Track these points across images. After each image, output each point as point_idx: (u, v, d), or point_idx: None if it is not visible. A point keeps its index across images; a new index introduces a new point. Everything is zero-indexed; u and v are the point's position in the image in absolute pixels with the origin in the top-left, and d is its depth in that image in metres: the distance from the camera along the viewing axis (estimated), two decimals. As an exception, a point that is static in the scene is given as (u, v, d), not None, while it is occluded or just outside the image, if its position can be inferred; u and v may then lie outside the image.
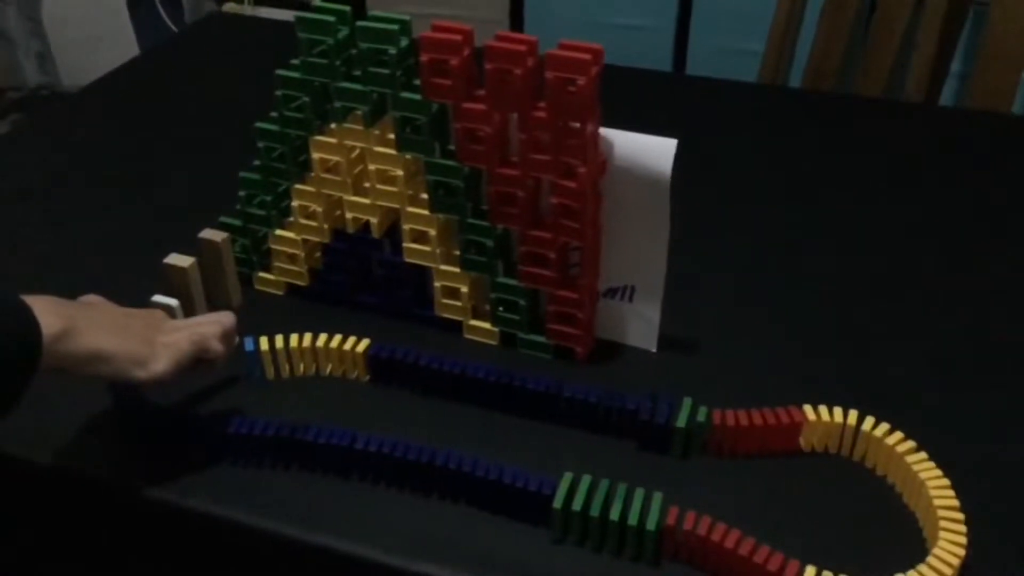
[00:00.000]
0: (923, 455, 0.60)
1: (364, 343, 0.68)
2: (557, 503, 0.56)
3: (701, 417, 0.61)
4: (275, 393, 0.67)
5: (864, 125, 1.03)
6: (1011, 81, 1.25)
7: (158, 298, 0.67)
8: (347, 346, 0.67)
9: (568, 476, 0.57)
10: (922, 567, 0.53)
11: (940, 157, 0.96)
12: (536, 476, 0.57)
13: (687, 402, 0.63)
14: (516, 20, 1.77)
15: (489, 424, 0.65)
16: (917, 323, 0.74)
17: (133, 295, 0.70)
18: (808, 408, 0.62)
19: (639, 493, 0.57)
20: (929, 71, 1.32)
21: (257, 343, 0.67)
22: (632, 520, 0.55)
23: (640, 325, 0.71)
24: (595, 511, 0.56)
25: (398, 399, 0.67)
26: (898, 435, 0.61)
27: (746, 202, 0.89)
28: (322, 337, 0.68)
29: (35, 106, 1.66)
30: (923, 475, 0.58)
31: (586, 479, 0.58)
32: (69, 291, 0.75)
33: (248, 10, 1.84)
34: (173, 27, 1.86)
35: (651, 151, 0.63)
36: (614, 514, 0.55)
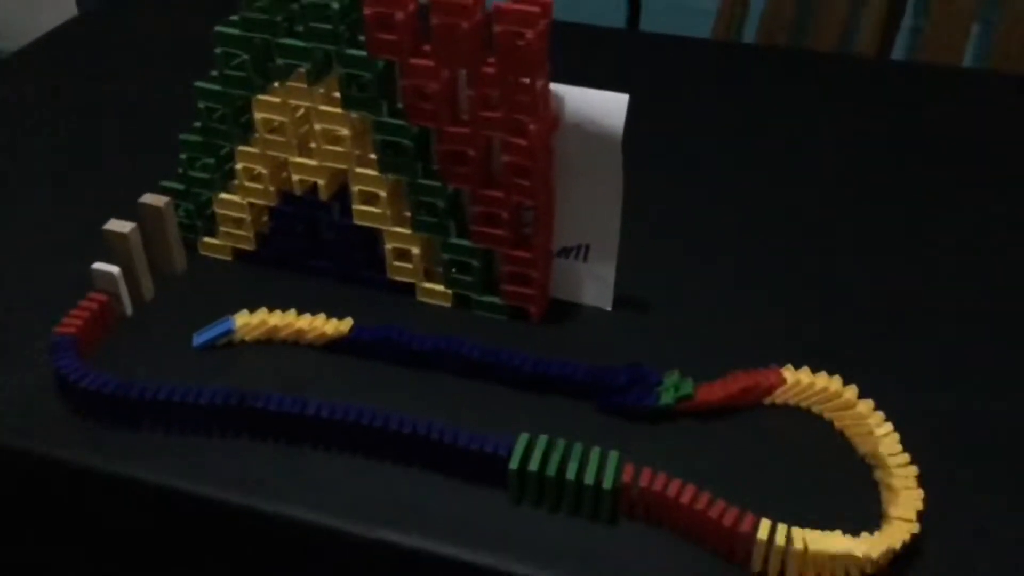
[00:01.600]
0: (875, 408, 0.60)
1: (348, 323, 0.66)
2: (513, 464, 0.56)
3: (686, 391, 0.61)
4: (233, 360, 0.66)
5: (817, 79, 1.02)
6: (962, 35, 1.25)
7: (99, 265, 0.65)
8: (328, 329, 0.66)
9: (524, 437, 0.57)
10: (886, 529, 0.54)
11: (892, 111, 0.96)
12: (492, 438, 0.57)
13: (672, 376, 0.62)
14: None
15: (456, 391, 0.64)
16: (868, 276, 0.74)
17: (75, 263, 0.68)
18: (788, 371, 0.62)
19: (595, 452, 0.56)
20: (881, 25, 1.32)
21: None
22: (588, 479, 0.55)
23: (595, 284, 0.70)
24: (551, 471, 0.55)
25: (363, 367, 0.66)
26: (853, 388, 0.61)
27: (702, 160, 0.88)
28: (305, 317, 0.67)
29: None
30: (878, 430, 0.59)
31: (542, 439, 0.57)
32: (9, 259, 0.74)
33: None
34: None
35: (603, 106, 0.62)
36: (570, 473, 0.55)
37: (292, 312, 0.68)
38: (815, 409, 0.62)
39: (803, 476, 0.58)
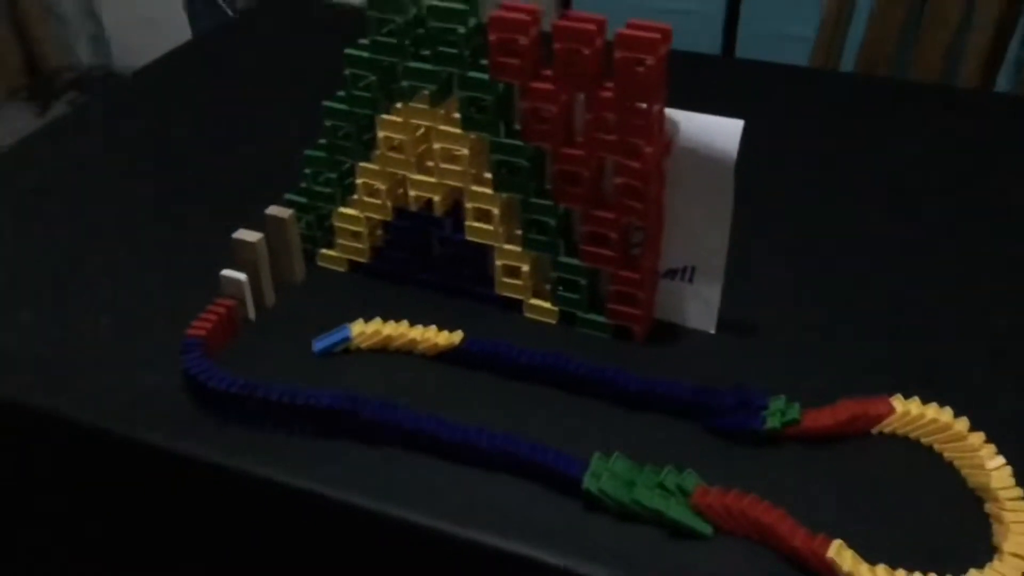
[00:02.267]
0: (986, 441, 0.59)
1: (459, 335, 0.69)
2: (587, 484, 0.57)
3: (793, 416, 0.61)
4: (349, 366, 0.69)
5: (919, 111, 1.01)
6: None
7: (227, 272, 0.69)
8: (440, 340, 0.68)
9: (599, 456, 0.58)
10: (997, 564, 0.53)
11: (997, 145, 0.94)
12: (566, 456, 0.59)
13: (778, 401, 0.62)
14: (564, 2, 1.77)
15: (560, 406, 0.66)
16: (979, 311, 0.73)
17: (202, 270, 0.72)
18: (897, 400, 0.62)
19: (670, 473, 0.58)
20: (985, 56, 1.30)
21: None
22: (658, 503, 0.56)
23: (699, 306, 0.71)
24: (622, 496, 0.57)
25: (472, 378, 0.68)
26: (964, 420, 0.61)
27: (804, 186, 0.89)
28: (418, 328, 0.70)
29: (91, 87, 1.69)
30: (989, 463, 0.58)
31: (616, 460, 0.58)
32: (139, 265, 0.78)
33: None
34: (228, 11, 1.88)
35: (717, 132, 0.63)
36: (640, 496, 0.56)
37: (405, 323, 0.70)
38: (924, 440, 0.62)
39: (911, 508, 0.58)
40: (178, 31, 1.91)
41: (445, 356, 0.69)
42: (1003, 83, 1.37)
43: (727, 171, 0.64)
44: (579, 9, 1.73)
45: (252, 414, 0.64)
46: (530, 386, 0.67)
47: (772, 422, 0.61)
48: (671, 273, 0.71)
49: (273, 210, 0.73)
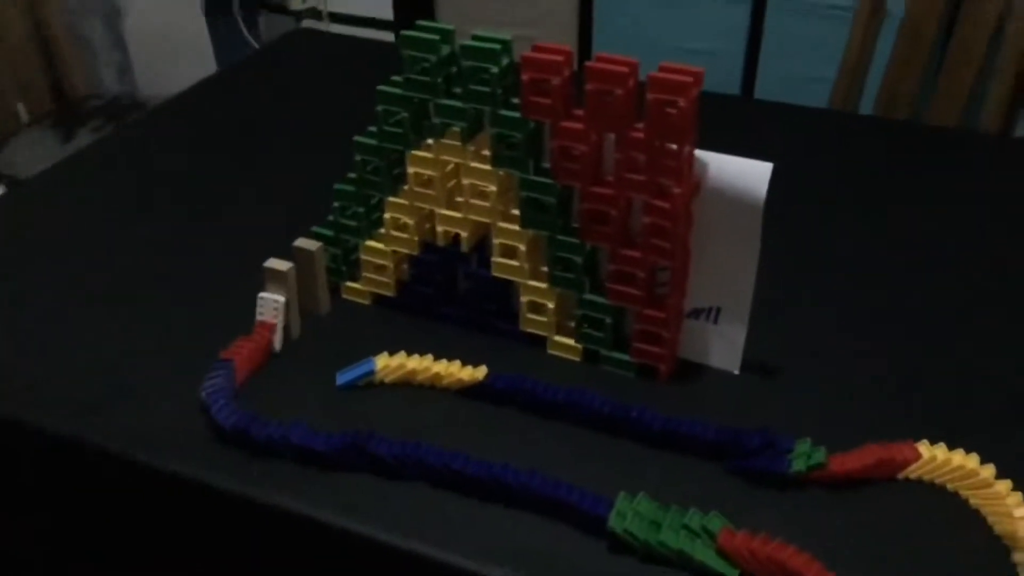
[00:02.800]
0: (1015, 491, 0.59)
1: (482, 370, 0.69)
2: (612, 524, 0.57)
3: (819, 460, 0.61)
4: (373, 400, 0.69)
5: (941, 155, 1.02)
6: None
7: (265, 294, 0.70)
8: (464, 375, 0.69)
9: (624, 496, 0.58)
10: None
11: (1017, 189, 0.95)
12: (591, 495, 0.59)
13: (804, 444, 0.62)
14: (584, 42, 1.79)
15: (584, 443, 0.66)
16: (1006, 358, 0.73)
17: (226, 303, 0.73)
18: (923, 446, 0.62)
19: (694, 516, 0.57)
20: (1007, 101, 1.31)
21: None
22: (682, 544, 0.56)
23: (724, 347, 0.71)
24: (647, 536, 0.56)
25: (495, 413, 0.68)
26: (991, 467, 0.60)
27: (828, 228, 0.89)
28: (442, 363, 0.70)
29: (116, 115, 1.71)
30: (1016, 511, 0.58)
31: (641, 500, 0.58)
32: (165, 297, 0.79)
33: (324, 27, 1.88)
34: (253, 42, 1.90)
35: (746, 174, 0.64)
36: (665, 538, 0.56)
37: (429, 357, 0.70)
38: (950, 486, 0.62)
39: (937, 555, 0.58)
40: (203, 60, 1.94)
41: (469, 391, 0.69)
42: (1023, 128, 1.38)
43: (755, 213, 0.64)
44: (601, 48, 1.75)
45: (264, 448, 0.64)
46: (554, 423, 0.67)
47: (798, 465, 0.61)
48: (696, 313, 0.71)
49: (301, 242, 0.73)
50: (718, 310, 0.70)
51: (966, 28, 1.31)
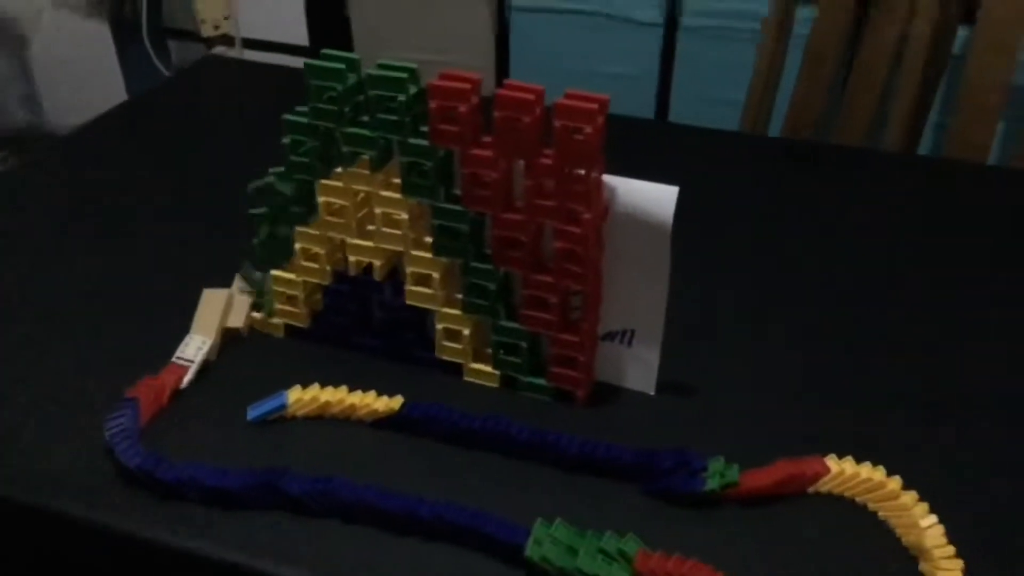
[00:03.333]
0: (920, 499, 0.61)
1: (398, 400, 0.68)
2: (529, 552, 0.57)
3: (732, 478, 0.62)
4: (285, 434, 0.68)
5: (845, 173, 1.05)
6: (988, 132, 1.29)
7: (194, 336, 0.71)
8: (379, 406, 0.68)
9: (541, 523, 0.58)
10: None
11: (920, 205, 0.98)
12: (508, 524, 0.58)
13: (717, 462, 0.63)
14: (501, 67, 1.80)
15: (501, 470, 0.65)
16: (907, 366, 0.75)
17: (140, 332, 0.71)
18: (832, 460, 0.63)
19: (611, 539, 0.57)
20: (908, 122, 1.36)
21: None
22: (599, 570, 0.56)
23: (639, 368, 0.72)
24: (564, 563, 0.56)
25: (412, 444, 0.67)
26: (897, 479, 0.62)
27: (736, 249, 0.91)
28: (357, 394, 0.69)
29: (24, 146, 1.66)
30: (922, 521, 0.59)
31: (558, 526, 0.58)
32: (74, 326, 0.76)
33: (237, 53, 1.85)
34: (164, 70, 1.87)
35: (653, 198, 0.65)
36: (582, 564, 0.56)
37: (343, 388, 0.69)
38: (859, 499, 0.63)
39: (847, 567, 0.59)
40: (113, 89, 1.89)
41: (385, 422, 0.68)
42: (924, 147, 1.43)
43: (664, 237, 0.65)
44: (516, 72, 1.76)
45: (182, 486, 0.62)
46: (471, 451, 0.66)
47: (711, 484, 0.62)
48: (610, 336, 0.71)
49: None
50: (632, 333, 0.71)
51: (867, 50, 1.35)
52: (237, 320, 0.76)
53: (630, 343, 0.71)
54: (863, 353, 0.77)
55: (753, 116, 1.44)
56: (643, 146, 1.07)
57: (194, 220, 0.92)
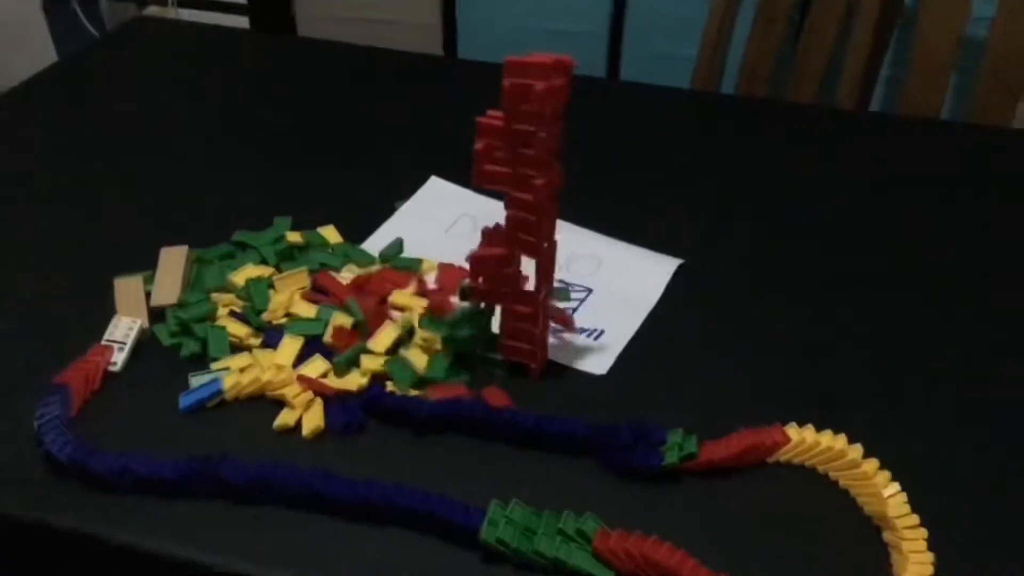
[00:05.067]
0: (881, 467, 0.60)
1: (342, 381, 0.66)
2: (484, 536, 0.55)
3: (690, 449, 0.60)
4: (223, 418, 0.64)
5: (797, 130, 1.03)
6: (940, 88, 1.28)
7: (123, 318, 0.68)
8: (349, 385, 0.65)
9: (496, 505, 0.56)
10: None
11: (872, 161, 0.97)
12: (462, 507, 0.56)
13: (676, 434, 0.61)
14: (448, 26, 1.75)
15: (456, 450, 0.63)
16: (874, 339, 0.73)
17: (70, 311, 0.67)
18: (791, 429, 0.62)
19: (569, 518, 0.56)
20: (860, 78, 1.34)
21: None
22: (559, 551, 0.54)
23: (597, 355, 0.70)
24: (522, 545, 0.54)
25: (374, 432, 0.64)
26: (858, 447, 0.61)
27: (685, 209, 0.88)
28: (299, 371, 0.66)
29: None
30: (884, 490, 0.58)
31: (514, 508, 0.56)
32: (6, 298, 0.72)
33: (171, 13, 1.77)
34: (93, 31, 1.78)
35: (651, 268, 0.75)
36: (539, 546, 0.54)
37: (287, 367, 0.66)
38: (820, 468, 0.62)
39: (809, 538, 0.58)
40: (43, 53, 1.81)
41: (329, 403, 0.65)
42: (876, 102, 1.42)
43: (653, 297, 0.74)
44: (464, 31, 1.72)
45: (116, 477, 0.59)
46: (421, 432, 0.64)
47: (670, 457, 0.60)
48: (583, 331, 0.72)
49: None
50: (603, 332, 0.71)
51: (819, 4, 1.33)
52: (169, 296, 0.72)
53: (597, 339, 0.70)
54: (825, 321, 0.75)
55: (705, 73, 1.42)
56: (594, 106, 1.04)
57: (125, 187, 0.88)
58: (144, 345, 0.70)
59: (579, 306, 0.75)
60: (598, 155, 0.93)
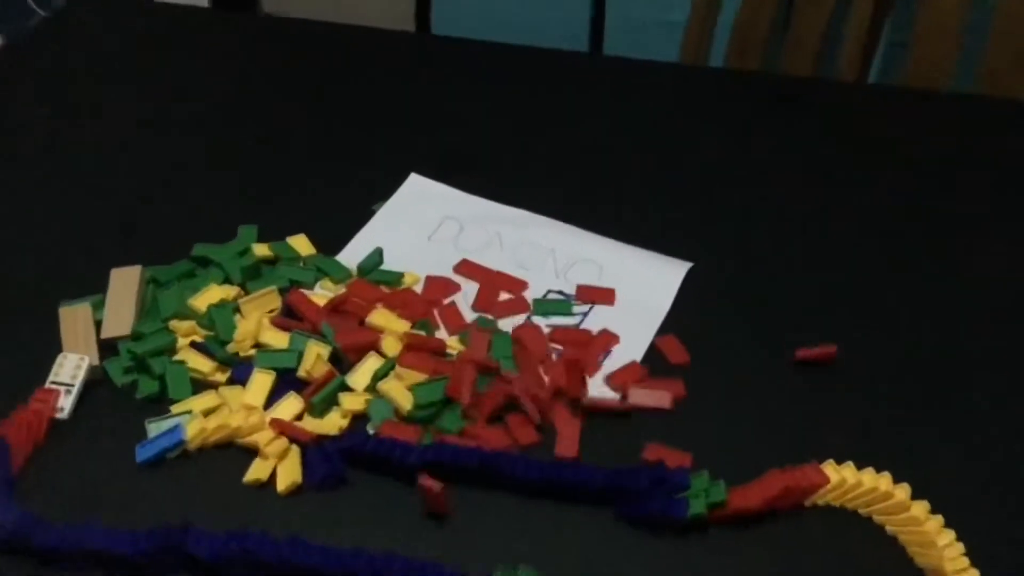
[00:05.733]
0: (932, 511, 0.53)
1: (322, 426, 0.59)
2: None
3: (718, 497, 0.53)
4: (183, 477, 0.57)
5: (801, 105, 0.94)
6: (949, 56, 1.20)
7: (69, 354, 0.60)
8: (328, 428, 0.58)
9: (503, 572, 0.50)
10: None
11: (874, 136, 0.88)
12: None
13: (700, 479, 0.54)
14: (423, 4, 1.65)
15: (459, 501, 0.55)
16: (901, 353, 0.66)
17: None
18: (830, 467, 0.55)
19: None
20: (861, 46, 1.26)
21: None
22: None
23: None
24: None
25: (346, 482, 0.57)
26: (905, 487, 0.54)
27: (686, 195, 0.80)
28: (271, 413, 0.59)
29: None
30: (938, 538, 0.52)
31: (522, 572, 0.50)
32: None
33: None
34: (38, 10, 1.67)
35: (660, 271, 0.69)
36: None
37: (258, 411, 0.59)
38: (863, 511, 0.55)
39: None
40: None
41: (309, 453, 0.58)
42: (875, 72, 1.34)
43: (664, 307, 0.67)
44: (440, 6, 1.61)
45: (66, 551, 0.51)
46: (415, 484, 0.56)
47: (696, 507, 0.53)
48: None
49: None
50: (608, 352, 0.65)
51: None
52: (122, 326, 0.64)
53: (604, 360, 0.65)
54: (859, 343, 0.65)
55: (695, 43, 1.33)
56: (576, 83, 0.94)
57: (66, 192, 0.79)
58: (95, 385, 0.61)
59: (582, 321, 0.67)
60: (586, 144, 0.84)
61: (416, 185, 0.80)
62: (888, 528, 0.54)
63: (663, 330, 0.66)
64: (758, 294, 0.70)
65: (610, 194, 0.79)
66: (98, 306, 0.66)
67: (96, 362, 0.62)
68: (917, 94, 1.05)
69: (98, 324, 0.64)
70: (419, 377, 0.61)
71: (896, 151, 0.86)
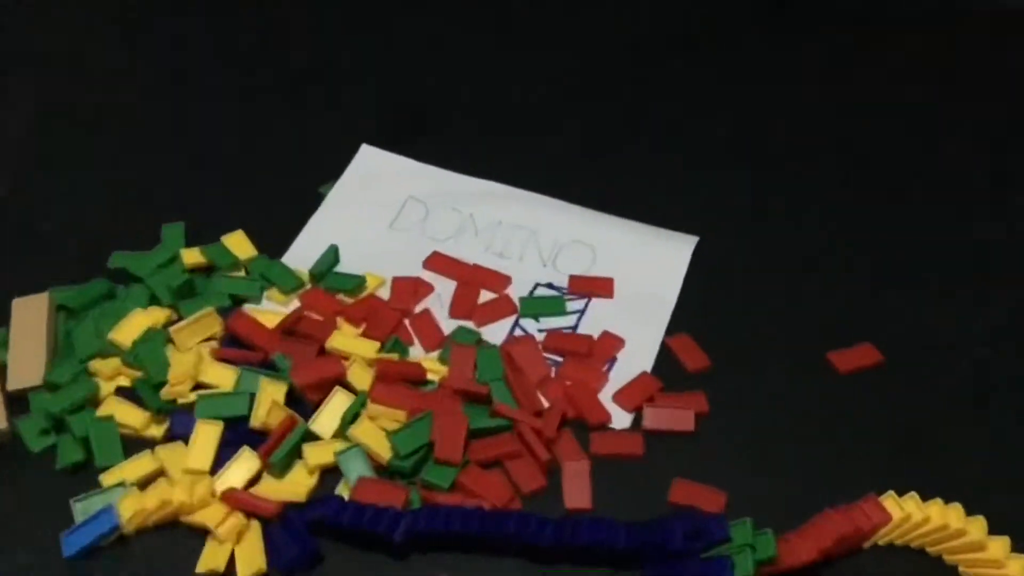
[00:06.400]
0: (1016, 553, 0.46)
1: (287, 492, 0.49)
2: None
3: (768, 552, 0.45)
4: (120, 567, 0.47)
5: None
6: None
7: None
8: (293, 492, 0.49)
9: None
10: None
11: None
12: None
13: (743, 529, 0.46)
14: None
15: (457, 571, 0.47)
16: (973, 379, 0.55)
17: None
18: (891, 501, 0.47)
19: None
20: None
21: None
22: None
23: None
24: None
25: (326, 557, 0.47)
26: (980, 521, 0.46)
27: (701, 170, 0.69)
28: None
29: None
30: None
31: None
32: None
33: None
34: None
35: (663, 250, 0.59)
36: None
37: (205, 478, 0.49)
38: (931, 550, 0.47)
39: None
40: None
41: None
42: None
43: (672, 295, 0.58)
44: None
45: None
46: (405, 553, 0.47)
47: (743, 567, 0.45)
48: None
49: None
50: (614, 359, 0.55)
51: None
52: (32, 374, 0.53)
53: (609, 370, 0.55)
54: (914, 357, 0.55)
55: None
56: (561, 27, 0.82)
57: None
58: (6, 452, 0.51)
59: (579, 321, 0.58)
60: (567, 90, 0.72)
61: (369, 158, 0.68)
62: (962, 570, 0.47)
63: (673, 326, 0.57)
64: (780, 275, 0.60)
65: (598, 154, 0.68)
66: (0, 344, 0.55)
67: (3, 424, 0.51)
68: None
69: (3, 371, 0.53)
70: (396, 415, 0.51)
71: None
